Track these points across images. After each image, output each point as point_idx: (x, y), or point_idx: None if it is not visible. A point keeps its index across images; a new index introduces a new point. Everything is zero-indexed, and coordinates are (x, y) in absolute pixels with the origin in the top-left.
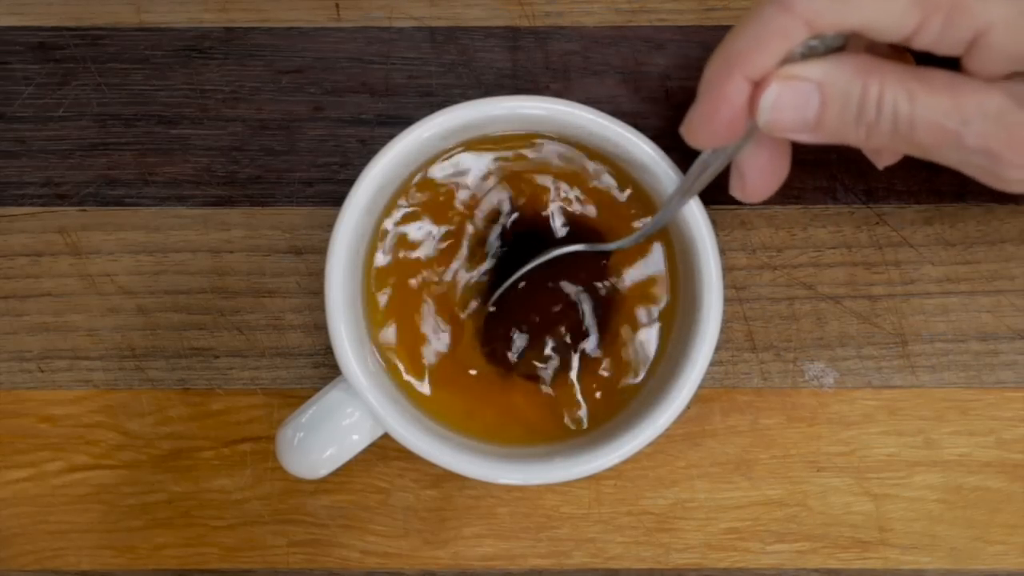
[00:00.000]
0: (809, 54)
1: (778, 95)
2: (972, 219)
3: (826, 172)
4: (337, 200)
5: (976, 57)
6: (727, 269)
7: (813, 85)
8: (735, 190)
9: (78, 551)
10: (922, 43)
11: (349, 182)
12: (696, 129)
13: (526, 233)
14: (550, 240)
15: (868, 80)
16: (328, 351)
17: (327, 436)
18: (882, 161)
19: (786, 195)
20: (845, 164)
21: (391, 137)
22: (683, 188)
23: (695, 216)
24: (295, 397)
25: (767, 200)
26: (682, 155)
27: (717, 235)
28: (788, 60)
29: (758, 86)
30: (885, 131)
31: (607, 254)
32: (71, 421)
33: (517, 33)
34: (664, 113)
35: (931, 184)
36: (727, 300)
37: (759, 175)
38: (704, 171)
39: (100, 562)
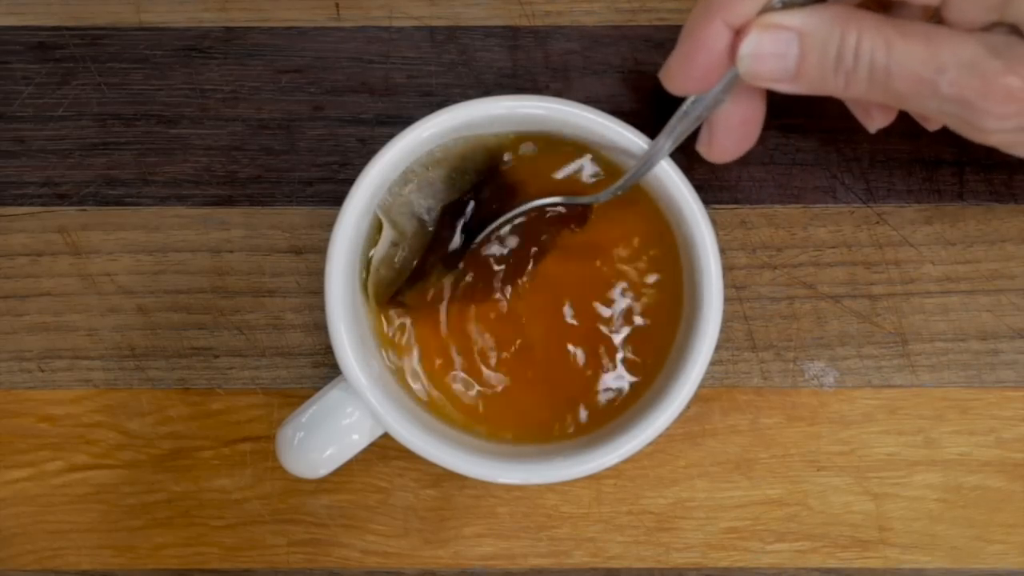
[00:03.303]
0: (789, 3)
1: (758, 43)
2: (972, 218)
3: (826, 172)
4: (337, 200)
5: (953, 6)
6: (727, 268)
7: (793, 33)
8: (701, 146)
9: (78, 551)
10: None
11: (349, 182)
12: (674, 73)
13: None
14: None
15: (846, 28)
16: (328, 351)
17: (327, 436)
18: (873, 123)
19: (786, 195)
20: (846, 164)
21: (391, 137)
22: (663, 138)
23: (695, 215)
24: (295, 397)
25: (767, 200)
26: (683, 155)
27: (717, 234)
28: (768, 9)
29: (738, 34)
30: (862, 79)
31: (582, 214)
32: (71, 421)
33: (517, 33)
34: (664, 113)
35: (931, 184)
36: (727, 299)
37: (729, 135)
38: (682, 121)
39: (100, 562)
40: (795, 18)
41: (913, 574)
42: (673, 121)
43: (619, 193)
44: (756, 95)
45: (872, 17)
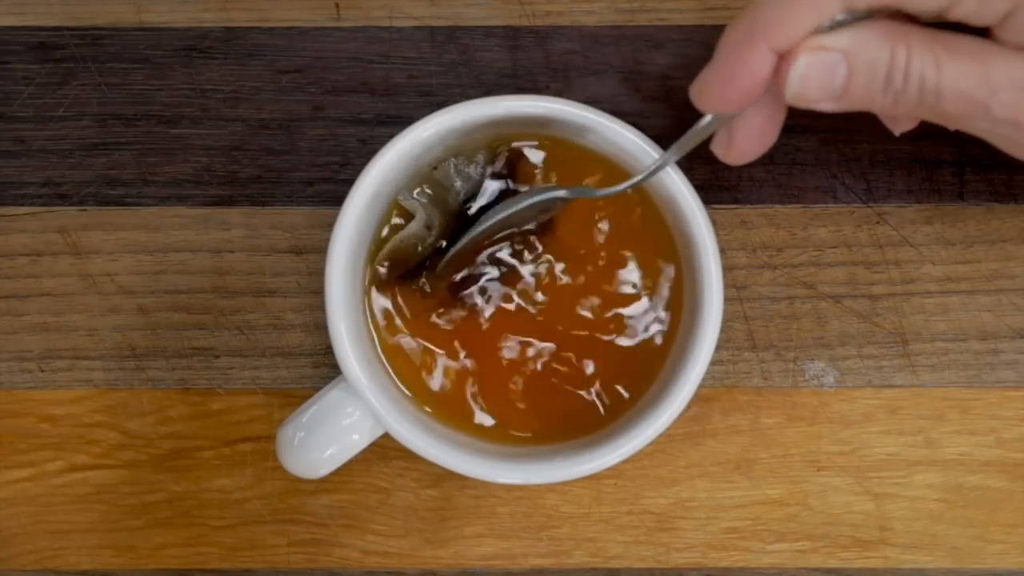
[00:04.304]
0: (836, 24)
1: (807, 67)
2: (972, 218)
3: (826, 172)
4: (337, 200)
5: (1009, 27)
6: (727, 268)
7: (840, 55)
8: (718, 147)
9: (78, 551)
10: (957, 15)
11: (349, 182)
12: (710, 93)
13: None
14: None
15: (895, 47)
16: (328, 351)
17: (327, 436)
18: (900, 127)
19: (786, 194)
20: (846, 164)
21: (391, 137)
22: (681, 144)
23: (695, 215)
24: (295, 397)
25: (767, 200)
26: (683, 155)
27: (717, 234)
28: (817, 31)
29: (783, 57)
30: (911, 99)
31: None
32: (71, 421)
33: (517, 32)
34: (665, 112)
35: (931, 183)
36: (727, 299)
37: (749, 138)
38: (706, 128)
39: (100, 562)
40: (843, 39)
41: (914, 574)
42: (697, 127)
43: (629, 191)
44: (778, 99)
45: (921, 33)
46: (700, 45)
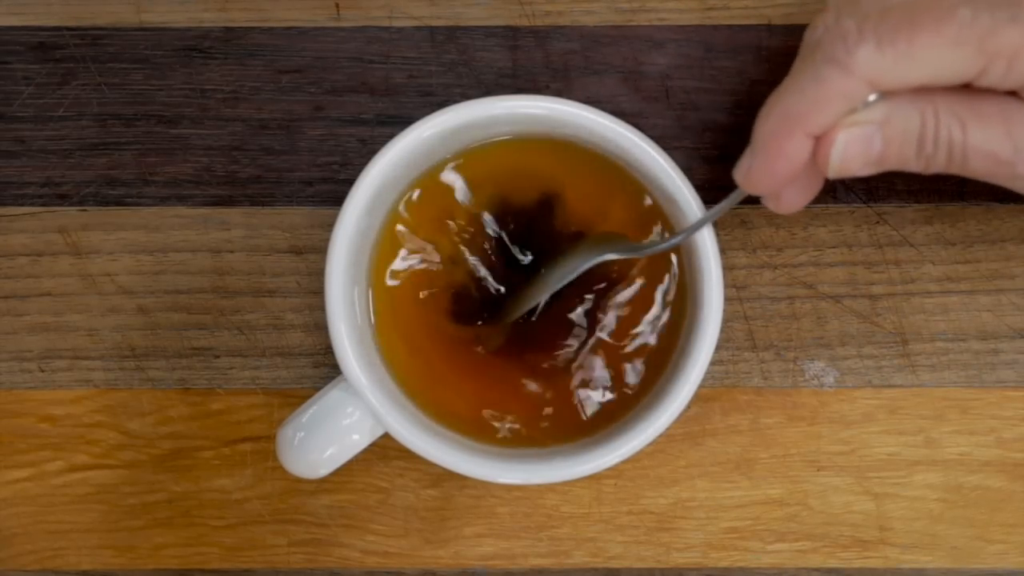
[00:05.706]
0: (875, 101)
1: (846, 144)
2: (972, 218)
3: None
4: (337, 200)
5: None
6: (727, 268)
7: (876, 126)
8: (769, 204)
9: (78, 551)
10: (982, 84)
11: (349, 182)
12: (755, 182)
13: (527, 230)
14: (558, 240)
15: (924, 112)
16: (328, 351)
17: (327, 436)
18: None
19: None
20: None
21: (391, 137)
22: (721, 207)
23: (696, 215)
24: (295, 397)
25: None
26: (683, 154)
27: (718, 234)
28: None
29: (821, 139)
30: (941, 162)
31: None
32: (71, 421)
33: (517, 33)
34: (665, 113)
35: (931, 183)
36: (727, 299)
37: (797, 195)
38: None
39: (100, 562)
40: (876, 112)
41: (913, 574)
42: (735, 195)
43: (674, 245)
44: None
45: (947, 96)
46: (700, 45)
